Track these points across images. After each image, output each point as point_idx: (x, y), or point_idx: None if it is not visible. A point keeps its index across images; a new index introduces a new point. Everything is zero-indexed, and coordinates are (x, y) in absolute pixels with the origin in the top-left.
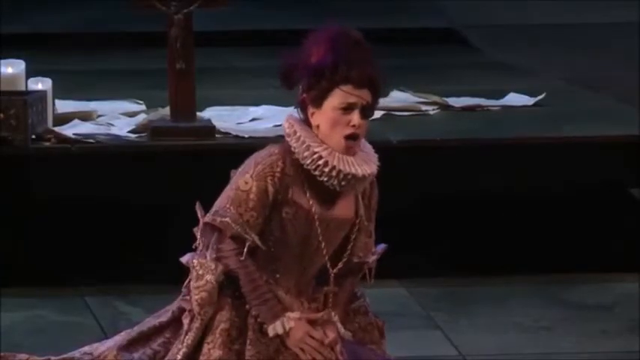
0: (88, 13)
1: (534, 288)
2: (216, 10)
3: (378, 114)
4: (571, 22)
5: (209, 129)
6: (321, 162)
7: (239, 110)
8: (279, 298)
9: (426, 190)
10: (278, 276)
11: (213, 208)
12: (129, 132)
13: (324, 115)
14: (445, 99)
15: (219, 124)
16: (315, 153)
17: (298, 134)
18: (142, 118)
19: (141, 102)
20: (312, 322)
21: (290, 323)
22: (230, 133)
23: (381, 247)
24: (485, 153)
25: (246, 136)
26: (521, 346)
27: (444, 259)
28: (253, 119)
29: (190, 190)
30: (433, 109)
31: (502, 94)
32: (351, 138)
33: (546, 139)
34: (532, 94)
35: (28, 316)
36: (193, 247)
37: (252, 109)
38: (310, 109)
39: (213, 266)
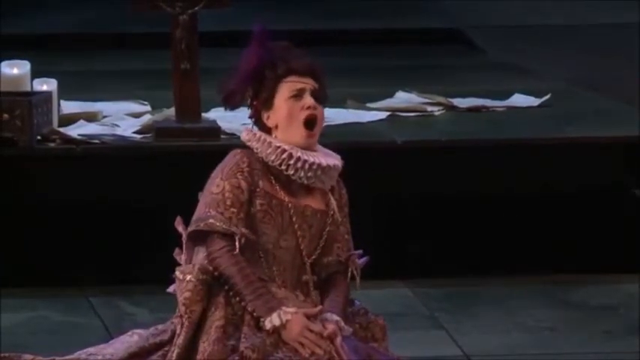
0: (92, 14)
1: (537, 289)
2: (219, 11)
3: (383, 114)
4: (573, 24)
5: (214, 130)
6: (285, 155)
7: (244, 111)
8: (273, 294)
9: (431, 191)
10: (268, 271)
11: (194, 218)
12: (134, 133)
13: (278, 112)
14: (450, 100)
15: (224, 125)
16: (278, 148)
17: (258, 135)
18: (146, 118)
19: (146, 103)
20: (309, 317)
21: (286, 316)
22: (235, 134)
23: (364, 258)
24: (490, 154)
25: None
26: (525, 346)
27: (449, 259)
28: None
29: (195, 191)
30: (438, 110)
31: (507, 95)
32: (310, 123)
33: (548, 140)
34: (536, 95)
35: (33, 316)
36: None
37: None
38: (264, 115)
39: (190, 267)
